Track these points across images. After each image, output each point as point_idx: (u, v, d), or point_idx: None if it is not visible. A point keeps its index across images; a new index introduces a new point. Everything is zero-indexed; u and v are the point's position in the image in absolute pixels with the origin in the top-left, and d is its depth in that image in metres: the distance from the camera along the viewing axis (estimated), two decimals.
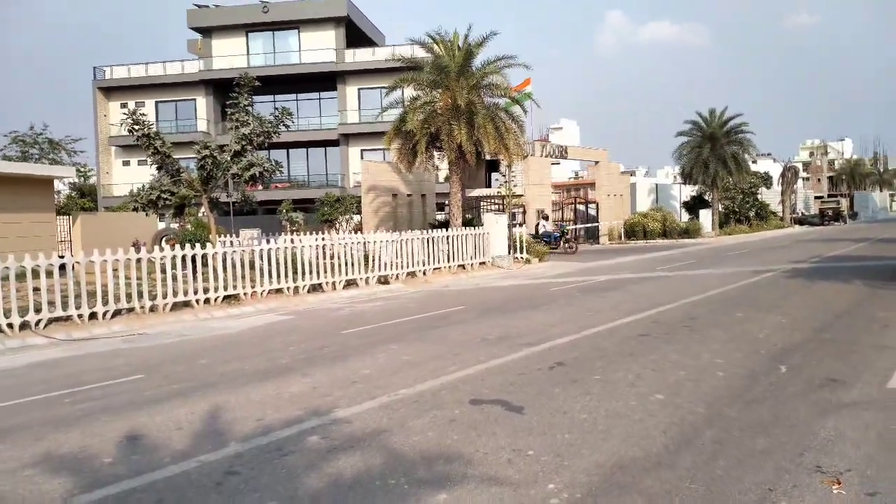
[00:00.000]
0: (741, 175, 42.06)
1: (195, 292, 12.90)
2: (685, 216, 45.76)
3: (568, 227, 31.78)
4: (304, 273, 14.87)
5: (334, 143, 41.40)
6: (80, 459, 4.88)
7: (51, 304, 11.02)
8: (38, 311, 10.75)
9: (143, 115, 15.19)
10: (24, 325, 10.56)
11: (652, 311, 10.84)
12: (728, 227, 43.23)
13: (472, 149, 20.64)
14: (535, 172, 29.92)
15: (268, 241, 15.14)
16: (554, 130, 71.37)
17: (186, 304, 12.75)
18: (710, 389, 6.17)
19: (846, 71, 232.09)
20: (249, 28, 41.54)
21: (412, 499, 4.01)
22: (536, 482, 4.19)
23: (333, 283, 15.51)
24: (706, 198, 44.41)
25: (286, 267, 14.55)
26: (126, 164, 42.49)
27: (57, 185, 34.37)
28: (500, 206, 26.89)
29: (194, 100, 42.47)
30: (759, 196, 48.77)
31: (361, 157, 38.17)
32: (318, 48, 40.57)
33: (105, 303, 11.56)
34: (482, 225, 21.74)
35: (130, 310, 11.94)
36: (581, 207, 37.05)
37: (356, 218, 31.49)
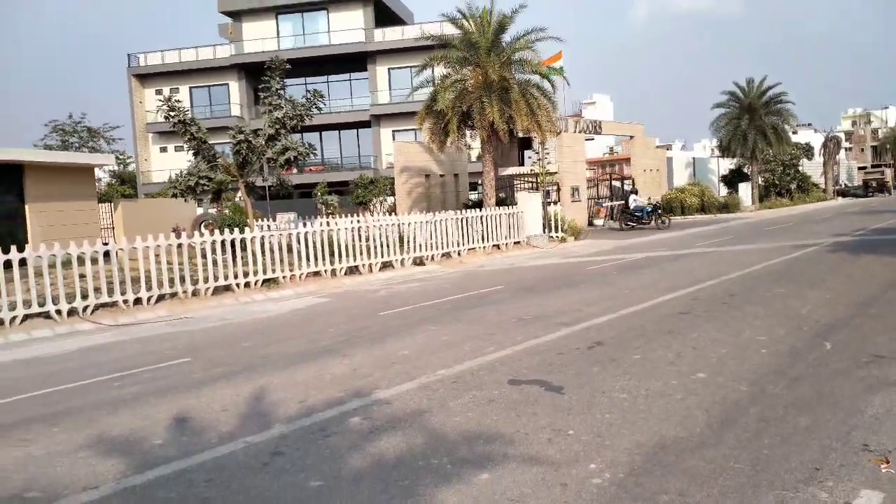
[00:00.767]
0: (781, 147, 40.97)
1: (235, 276, 13.13)
2: (724, 190, 44.89)
3: (657, 201, 29.88)
4: (340, 256, 15.02)
5: (366, 124, 41.48)
6: (132, 441, 5.04)
7: (97, 290, 11.33)
8: (84, 297, 11.07)
9: (179, 101, 15.34)
10: (72, 312, 10.89)
11: (691, 289, 10.71)
12: (768, 200, 42.28)
13: (504, 126, 20.50)
14: (568, 149, 29.59)
15: (304, 225, 15.30)
16: (587, 105, 70.42)
17: (227, 288, 12.99)
18: (752, 367, 6.09)
19: (890, 35, 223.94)
20: (279, 10, 41.67)
21: (455, 478, 4.06)
22: (578, 462, 4.20)
23: (370, 265, 15.63)
24: (745, 171, 43.43)
25: (323, 250, 14.71)
26: (163, 150, 43.23)
27: (97, 172, 35.15)
28: (534, 185, 26.70)
29: (227, 84, 42.90)
30: (800, 168, 47.50)
31: (393, 139, 38.19)
32: (347, 28, 40.55)
33: (149, 288, 11.84)
34: (516, 204, 21.65)
35: (173, 295, 12.21)
36: (616, 183, 36.54)
37: (390, 199, 31.61)
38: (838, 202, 46.71)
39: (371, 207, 31.68)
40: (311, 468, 4.33)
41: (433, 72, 23.77)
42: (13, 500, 4.14)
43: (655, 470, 4.04)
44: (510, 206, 21.05)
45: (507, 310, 9.80)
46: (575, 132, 30.96)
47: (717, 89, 49.44)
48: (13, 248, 10.61)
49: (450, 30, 23.28)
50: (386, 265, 16.15)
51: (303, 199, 34.48)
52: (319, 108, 15.90)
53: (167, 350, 8.43)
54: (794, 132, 46.13)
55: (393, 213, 24.84)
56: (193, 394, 6.20)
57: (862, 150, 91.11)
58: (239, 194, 21.08)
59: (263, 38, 41.35)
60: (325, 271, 14.69)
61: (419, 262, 16.90)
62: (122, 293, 11.52)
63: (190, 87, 43.03)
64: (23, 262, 10.74)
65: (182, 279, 12.36)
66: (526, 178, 29.69)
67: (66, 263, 11.27)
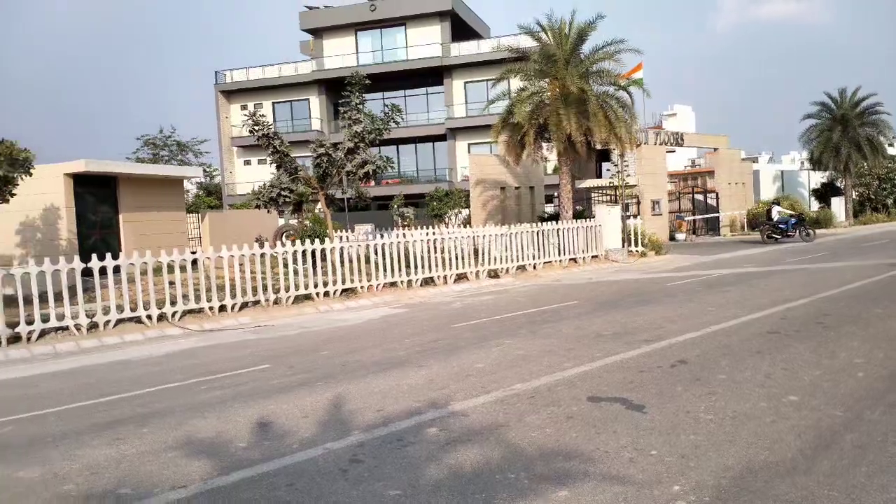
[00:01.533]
0: (877, 159, 38.78)
1: (315, 286, 13.45)
2: (815, 205, 42.83)
3: (801, 212, 27.54)
4: (416, 267, 15.16)
5: (442, 137, 41.89)
6: (217, 444, 5.20)
7: (185, 297, 11.84)
8: (173, 303, 11.59)
9: (263, 115, 15.92)
10: (162, 317, 11.42)
11: (781, 307, 10.24)
12: (863, 215, 40.06)
13: (581, 139, 20.24)
14: (648, 161, 28.93)
15: (381, 236, 15.53)
16: (667, 117, 68.73)
17: (307, 297, 13.31)
18: (848, 391, 5.75)
19: None
20: (358, 27, 42.71)
21: (532, 494, 3.99)
22: (660, 483, 4.06)
23: (444, 277, 15.70)
24: (838, 184, 41.35)
25: (399, 261, 14.89)
26: (247, 163, 44.88)
27: (185, 184, 36.81)
28: (613, 197, 26.19)
29: (308, 99, 44.22)
30: None
31: (469, 151, 38.37)
32: (424, 43, 41.14)
33: (233, 296, 12.28)
34: (594, 217, 21.30)
35: (256, 302, 12.61)
36: (699, 197, 35.44)
37: (465, 212, 31.72)
38: None
39: (446, 220, 31.88)
40: (389, 477, 4.35)
41: (509, 84, 23.76)
42: (107, 495, 4.34)
43: (743, 495, 3.85)
44: (588, 219, 20.74)
45: (585, 325, 9.63)
46: (655, 144, 30.27)
47: (807, 99, 47.29)
48: (108, 255, 11.23)
49: (526, 42, 23.22)
50: (460, 277, 16.19)
51: (380, 211, 35.08)
52: (397, 123, 16.15)
53: (249, 356, 8.69)
54: (891, 144, 43.54)
55: (468, 226, 24.91)
56: (274, 400, 6.36)
57: None
58: (319, 206, 21.63)
59: (343, 54, 42.46)
60: (401, 282, 14.85)
61: (493, 274, 16.85)
62: (208, 300, 11.99)
63: (273, 103, 44.60)
64: (116, 270, 11.34)
65: (265, 288, 12.75)
66: (604, 191, 29.22)
67: (157, 271, 11.84)
